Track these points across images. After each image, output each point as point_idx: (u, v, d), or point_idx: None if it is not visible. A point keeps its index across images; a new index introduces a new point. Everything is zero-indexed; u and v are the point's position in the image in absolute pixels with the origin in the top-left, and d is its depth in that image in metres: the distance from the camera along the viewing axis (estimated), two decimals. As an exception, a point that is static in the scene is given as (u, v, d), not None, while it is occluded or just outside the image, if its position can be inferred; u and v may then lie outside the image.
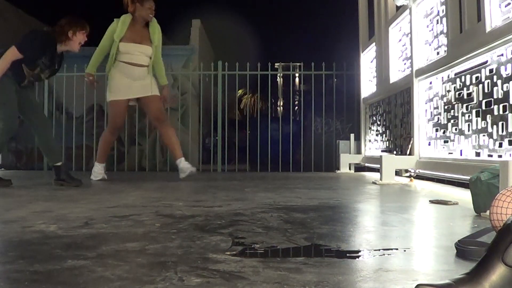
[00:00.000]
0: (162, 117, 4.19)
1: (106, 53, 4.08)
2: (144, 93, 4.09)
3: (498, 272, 0.82)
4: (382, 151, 4.97)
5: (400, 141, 4.51)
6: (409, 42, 4.19)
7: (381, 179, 3.90)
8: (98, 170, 4.13)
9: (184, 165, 4.11)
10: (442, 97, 3.51)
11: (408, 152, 4.01)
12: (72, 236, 1.48)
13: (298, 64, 8.10)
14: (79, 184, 3.45)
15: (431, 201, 2.47)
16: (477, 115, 2.98)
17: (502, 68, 2.68)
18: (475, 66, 3.01)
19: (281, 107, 21.32)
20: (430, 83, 3.75)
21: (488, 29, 2.77)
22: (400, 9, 4.44)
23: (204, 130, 9.04)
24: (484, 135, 2.89)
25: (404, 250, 1.30)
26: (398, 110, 4.56)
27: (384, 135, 5.12)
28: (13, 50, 3.21)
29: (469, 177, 2.18)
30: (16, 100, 3.31)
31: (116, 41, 3.99)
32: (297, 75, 11.66)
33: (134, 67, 4.04)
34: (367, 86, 5.86)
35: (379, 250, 1.29)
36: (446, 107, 3.44)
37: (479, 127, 2.95)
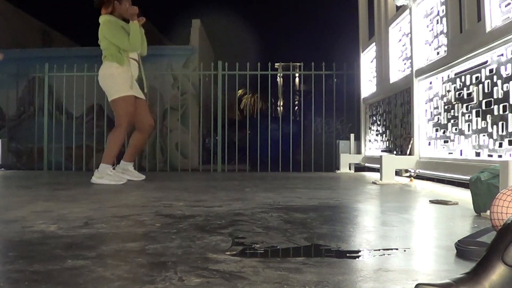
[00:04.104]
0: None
1: None
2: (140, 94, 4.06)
3: (498, 272, 0.82)
4: (382, 151, 4.97)
5: (400, 141, 4.51)
6: (409, 42, 4.19)
7: (381, 179, 3.89)
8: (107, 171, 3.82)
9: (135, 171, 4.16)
10: (442, 97, 3.51)
11: (408, 152, 4.01)
12: (72, 236, 1.48)
13: (298, 64, 8.09)
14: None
15: (431, 201, 2.47)
16: (477, 115, 2.98)
17: (502, 68, 2.68)
18: (475, 66, 3.01)
19: (281, 107, 21.30)
20: (430, 83, 3.75)
21: (488, 29, 2.77)
22: (400, 9, 4.44)
23: (204, 130, 9.04)
24: (484, 135, 2.89)
25: (404, 250, 1.30)
26: (398, 110, 4.56)
27: (384, 135, 5.12)
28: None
29: (469, 177, 2.18)
30: None
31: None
32: (297, 75, 11.67)
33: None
34: (367, 86, 5.86)
35: (379, 250, 1.29)
36: (446, 107, 3.44)
37: (479, 127, 2.95)
